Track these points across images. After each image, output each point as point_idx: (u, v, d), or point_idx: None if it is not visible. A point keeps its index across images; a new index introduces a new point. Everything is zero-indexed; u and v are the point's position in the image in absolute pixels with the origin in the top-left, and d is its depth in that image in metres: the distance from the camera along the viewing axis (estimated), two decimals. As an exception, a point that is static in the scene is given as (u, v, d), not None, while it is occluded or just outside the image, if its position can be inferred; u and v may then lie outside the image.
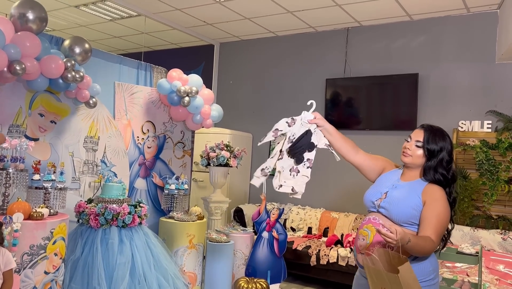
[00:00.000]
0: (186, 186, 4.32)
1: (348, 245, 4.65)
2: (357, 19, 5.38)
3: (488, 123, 4.73)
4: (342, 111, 5.64)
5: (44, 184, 3.06)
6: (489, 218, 4.53)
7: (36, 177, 3.05)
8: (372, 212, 2.08)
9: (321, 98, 5.78)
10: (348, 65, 5.64)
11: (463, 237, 4.34)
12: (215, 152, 4.56)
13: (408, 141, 2.06)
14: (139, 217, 3.53)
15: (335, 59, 5.75)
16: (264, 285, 4.16)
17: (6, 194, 2.90)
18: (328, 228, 5.27)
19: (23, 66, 2.98)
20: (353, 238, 4.69)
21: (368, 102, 5.47)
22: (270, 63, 6.29)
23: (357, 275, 2.17)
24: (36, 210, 2.86)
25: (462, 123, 4.86)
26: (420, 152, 2.01)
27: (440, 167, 1.98)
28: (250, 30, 6.07)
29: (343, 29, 5.70)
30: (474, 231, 4.37)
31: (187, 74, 4.57)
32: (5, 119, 3.39)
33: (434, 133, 2.01)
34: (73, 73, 3.41)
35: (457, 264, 3.89)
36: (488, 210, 4.52)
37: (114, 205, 3.43)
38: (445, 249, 2.16)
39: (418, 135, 2.03)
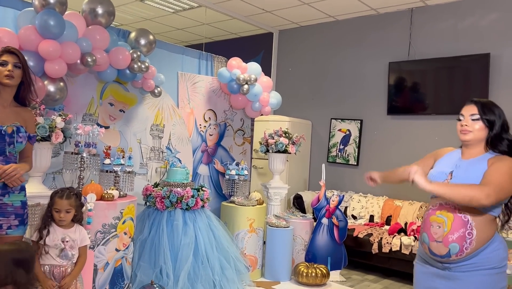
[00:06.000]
0: (246, 172, 4.41)
1: (411, 233, 4.50)
2: (422, -1, 5.12)
3: None
4: (407, 96, 5.42)
5: (114, 168, 3.28)
6: None
7: (107, 161, 3.27)
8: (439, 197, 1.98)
9: (383, 84, 5.60)
10: (413, 48, 5.39)
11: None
12: (273, 139, 4.60)
13: (461, 120, 2.00)
14: (201, 200, 3.68)
15: (398, 42, 5.52)
16: (324, 271, 4.16)
17: (81, 176, 3.15)
18: (391, 216, 5.13)
19: (94, 58, 3.20)
20: (418, 225, 4.53)
21: (435, 86, 5.20)
22: (330, 48, 6.18)
23: (419, 262, 2.10)
24: (107, 192, 3.08)
25: (540, 105, 4.48)
26: (479, 124, 1.94)
27: (504, 132, 1.94)
28: (309, 16, 6.00)
29: (407, 10, 5.45)
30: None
31: (247, 63, 4.64)
32: (80, 109, 3.66)
33: (486, 104, 1.97)
34: (139, 63, 3.60)
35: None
36: None
37: (178, 189, 3.60)
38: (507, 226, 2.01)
39: (470, 109, 1.97)
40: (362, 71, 5.84)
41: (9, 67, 2.19)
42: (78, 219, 2.55)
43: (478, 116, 1.94)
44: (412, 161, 5.82)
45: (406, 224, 4.83)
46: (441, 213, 1.94)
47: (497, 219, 1.95)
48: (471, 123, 1.95)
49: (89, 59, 3.17)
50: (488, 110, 1.94)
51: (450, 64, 5.07)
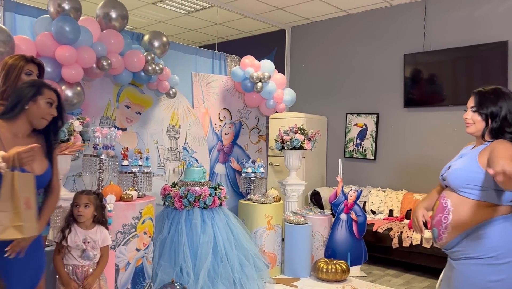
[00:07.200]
0: (262, 169, 4.42)
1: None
2: (436, -12, 5.04)
3: None
4: (424, 88, 5.34)
5: (132, 169, 3.33)
6: None
7: (125, 162, 3.32)
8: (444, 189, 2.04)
9: (399, 76, 5.53)
10: (428, 39, 5.31)
11: None
12: (289, 135, 4.60)
13: (465, 111, 1.97)
14: (219, 198, 3.70)
15: (413, 33, 5.44)
16: (344, 267, 4.14)
17: (100, 178, 3.21)
18: (410, 210, 5.06)
19: (109, 61, 3.25)
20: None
21: (452, 77, 5.12)
22: (343, 43, 6.14)
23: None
24: (126, 192, 3.13)
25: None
26: (478, 117, 1.89)
27: (506, 125, 1.83)
28: (321, 11, 5.97)
29: (420, 0, 5.38)
30: None
31: (260, 61, 4.65)
32: (97, 112, 3.72)
33: (485, 95, 1.88)
34: (153, 65, 3.64)
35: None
36: None
37: (195, 188, 3.64)
38: None
39: (470, 102, 1.93)
40: (376, 64, 5.79)
41: (34, 77, 2.28)
42: (99, 220, 2.60)
43: (475, 108, 1.90)
44: (430, 153, 5.71)
45: (426, 217, 4.77)
46: (435, 202, 2.01)
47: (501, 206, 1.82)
48: (471, 115, 1.92)
49: (105, 63, 3.22)
50: (487, 101, 1.87)
51: (467, 53, 4.98)
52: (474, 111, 1.91)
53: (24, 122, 1.99)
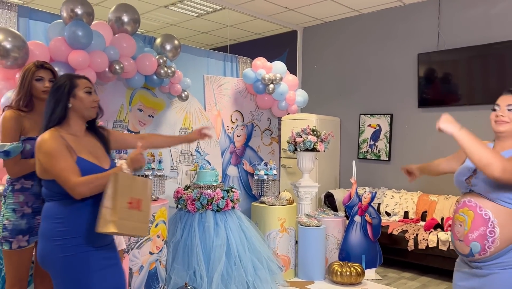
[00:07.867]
0: (274, 171, 4.39)
1: (449, 229, 4.37)
2: (450, -14, 4.96)
3: None
4: (438, 88, 5.26)
5: (145, 172, 3.33)
6: None
7: (138, 166, 3.32)
8: (466, 194, 1.93)
9: (413, 76, 5.46)
10: (442, 38, 5.23)
11: None
12: (301, 137, 4.56)
13: (496, 110, 1.88)
14: (231, 201, 3.69)
15: (426, 32, 5.37)
16: (359, 270, 4.09)
17: (114, 182, 3.21)
18: (426, 211, 4.99)
19: (122, 65, 3.27)
20: (449, 223, 4.39)
21: (467, 76, 5.03)
22: (356, 43, 6.08)
23: (458, 262, 2.03)
24: (139, 196, 3.12)
25: None
26: None
27: None
28: (333, 11, 5.92)
29: (434, -1, 5.31)
30: None
31: (272, 63, 4.63)
32: (110, 116, 3.74)
33: None
34: (165, 69, 3.65)
35: None
36: None
37: (208, 190, 3.63)
38: None
39: (508, 99, 1.85)
40: (390, 64, 5.72)
41: (46, 83, 2.27)
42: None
43: None
44: (445, 154, 5.66)
45: (442, 219, 4.69)
46: (463, 211, 1.88)
47: None
48: (507, 113, 1.83)
49: (117, 67, 3.23)
50: None
51: (482, 52, 4.89)
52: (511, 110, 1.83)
53: (76, 120, 1.94)
